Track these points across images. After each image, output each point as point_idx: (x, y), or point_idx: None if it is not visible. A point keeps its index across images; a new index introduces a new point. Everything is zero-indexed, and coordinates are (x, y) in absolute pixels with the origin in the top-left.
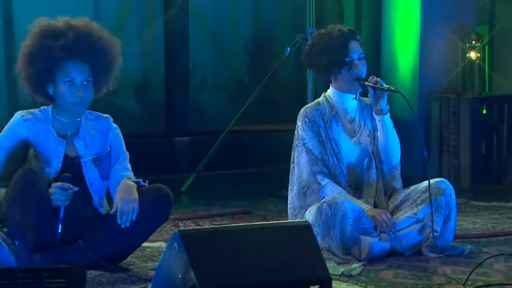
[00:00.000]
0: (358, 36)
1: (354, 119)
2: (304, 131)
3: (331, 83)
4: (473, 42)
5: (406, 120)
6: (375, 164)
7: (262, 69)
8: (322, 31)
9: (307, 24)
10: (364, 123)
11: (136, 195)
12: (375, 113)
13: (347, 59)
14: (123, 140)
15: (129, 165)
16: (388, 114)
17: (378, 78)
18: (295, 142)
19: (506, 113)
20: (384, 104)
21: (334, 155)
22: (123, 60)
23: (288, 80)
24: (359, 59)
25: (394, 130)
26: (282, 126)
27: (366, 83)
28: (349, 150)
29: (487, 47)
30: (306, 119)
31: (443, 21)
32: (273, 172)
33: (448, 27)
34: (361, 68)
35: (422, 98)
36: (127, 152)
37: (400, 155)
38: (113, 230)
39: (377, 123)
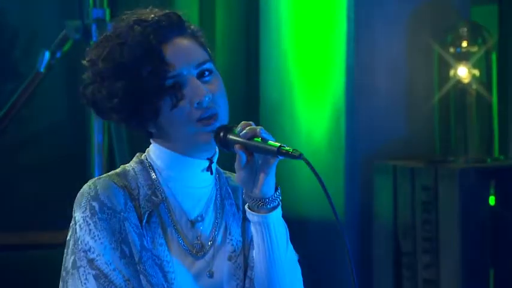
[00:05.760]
0: (200, 33)
1: (202, 218)
2: (89, 231)
3: (150, 134)
4: (465, 45)
5: (320, 220)
6: None
7: None
8: (120, 20)
9: (91, 3)
10: (226, 231)
11: None
12: (248, 208)
13: (168, 81)
14: None
15: None
16: (279, 211)
17: (258, 127)
18: (71, 259)
19: None
20: (268, 185)
21: None
22: None
23: (48, 127)
24: (201, 74)
25: (290, 245)
26: (39, 237)
27: (230, 137)
28: (189, 286)
29: (494, 56)
30: (93, 205)
31: (397, 1)
32: None
33: (409, 13)
34: (206, 96)
35: (352, 169)
36: None
37: None
38: None
39: (252, 229)
